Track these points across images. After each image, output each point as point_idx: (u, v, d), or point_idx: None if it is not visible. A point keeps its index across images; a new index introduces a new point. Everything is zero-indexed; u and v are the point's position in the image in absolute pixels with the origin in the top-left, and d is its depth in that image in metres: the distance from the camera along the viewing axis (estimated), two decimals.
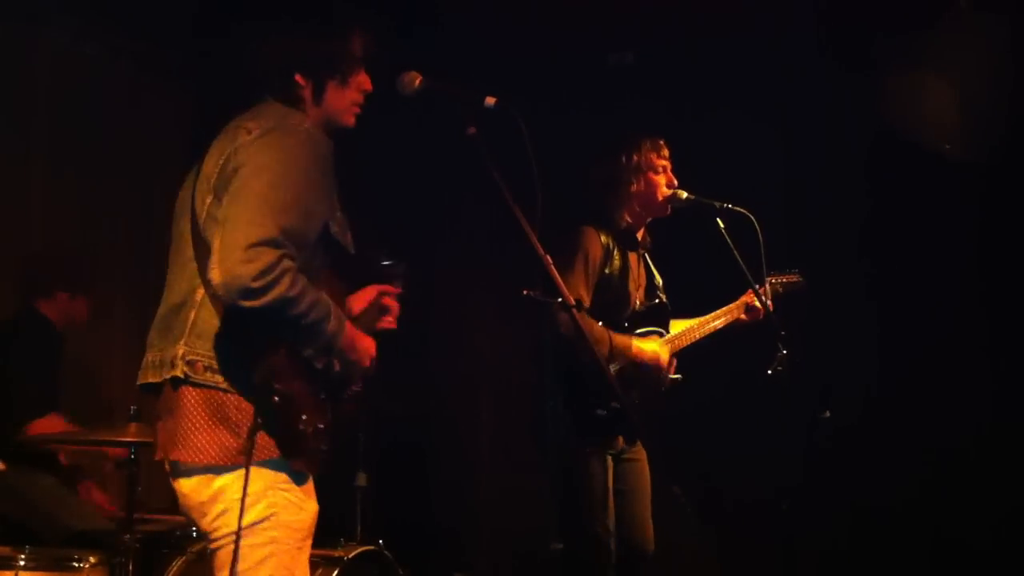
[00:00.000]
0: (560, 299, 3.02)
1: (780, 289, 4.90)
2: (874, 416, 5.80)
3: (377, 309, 3.22)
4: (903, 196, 5.91)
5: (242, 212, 2.67)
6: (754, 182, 5.40)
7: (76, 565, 4.01)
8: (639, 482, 4.59)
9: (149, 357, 2.91)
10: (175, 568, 4.16)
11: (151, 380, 2.89)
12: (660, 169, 4.62)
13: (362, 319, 3.15)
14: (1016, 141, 5.48)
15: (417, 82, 3.05)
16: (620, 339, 4.45)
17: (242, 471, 2.73)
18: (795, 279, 5.00)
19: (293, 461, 2.78)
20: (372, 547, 4.55)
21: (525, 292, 3.22)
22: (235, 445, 2.75)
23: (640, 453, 4.57)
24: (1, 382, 4.77)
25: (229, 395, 2.77)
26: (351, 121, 3.07)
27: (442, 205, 6.91)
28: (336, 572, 4.23)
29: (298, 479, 2.83)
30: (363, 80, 3.07)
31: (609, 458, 4.49)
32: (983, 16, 5.43)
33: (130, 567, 4.02)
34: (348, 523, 4.78)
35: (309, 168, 2.79)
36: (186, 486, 2.84)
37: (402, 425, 5.72)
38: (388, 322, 3.20)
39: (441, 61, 3.61)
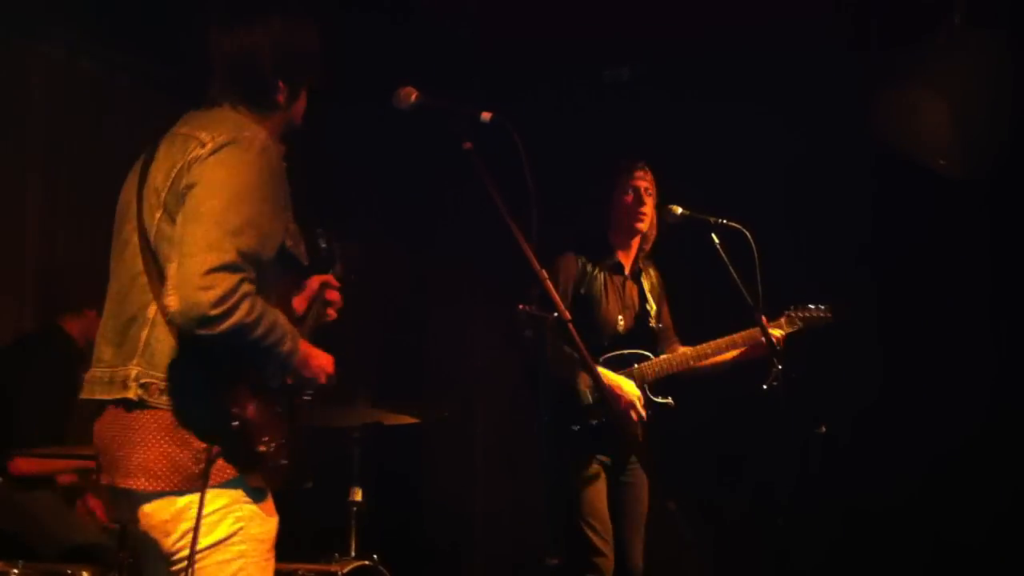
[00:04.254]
0: (556, 314, 3.01)
1: (800, 323, 4.79)
2: (873, 423, 5.84)
3: (321, 303, 3.14)
4: (907, 208, 5.95)
5: (199, 236, 2.57)
6: (755, 195, 5.44)
7: None
8: (635, 506, 4.62)
9: (97, 372, 2.80)
10: None
11: (99, 397, 2.77)
12: (629, 189, 4.70)
13: (308, 316, 3.09)
14: (1014, 157, 5.51)
15: (413, 97, 3.04)
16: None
17: (211, 489, 2.67)
18: (821, 314, 4.84)
19: (251, 478, 2.71)
20: (367, 562, 4.54)
21: (521, 307, 3.23)
22: (195, 471, 2.66)
23: (637, 476, 4.59)
24: (5, 399, 4.77)
25: (186, 419, 2.67)
26: (301, 122, 3.03)
27: (437, 218, 6.92)
28: None
29: (257, 495, 2.75)
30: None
31: (602, 471, 4.52)
32: (976, 32, 5.45)
33: None
34: (343, 538, 4.78)
35: (264, 185, 2.69)
36: (147, 507, 2.72)
37: (397, 440, 5.71)
38: (330, 315, 3.14)
39: (438, 76, 3.63)
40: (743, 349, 4.67)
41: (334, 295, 3.16)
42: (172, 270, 2.59)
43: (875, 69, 5.73)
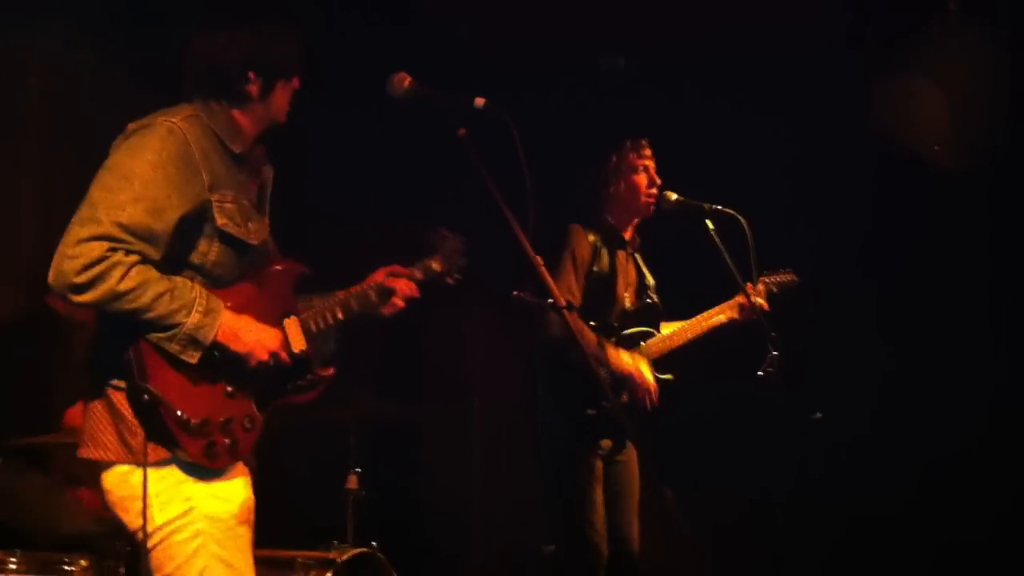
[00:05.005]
0: (551, 300, 3.00)
1: (775, 289, 4.91)
2: (873, 423, 5.83)
3: (377, 292, 3.18)
4: (909, 202, 5.95)
5: (81, 212, 2.66)
6: (757, 186, 5.45)
7: (66, 568, 3.99)
8: (627, 485, 4.60)
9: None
10: None
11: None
12: (641, 169, 4.69)
13: (352, 303, 3.12)
14: (1013, 148, 5.51)
15: (406, 83, 3.06)
16: (607, 348, 4.46)
17: (155, 467, 2.72)
18: (788, 278, 4.99)
19: (180, 453, 2.72)
20: (366, 549, 4.53)
21: (515, 293, 3.22)
22: (133, 443, 2.73)
23: (629, 455, 4.59)
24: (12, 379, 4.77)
25: (117, 393, 2.76)
26: (284, 118, 3.06)
27: (434, 206, 6.91)
28: (329, 574, 4.23)
29: (200, 472, 2.77)
30: (296, 79, 3.06)
31: (599, 461, 4.49)
32: (973, 21, 5.45)
33: (120, 570, 4.01)
34: (340, 526, 4.77)
35: (165, 163, 2.74)
36: (108, 481, 2.81)
37: (395, 428, 5.70)
38: (392, 305, 3.22)
39: (432, 65, 3.63)
40: (734, 313, 4.72)
41: (400, 284, 3.22)
42: None
43: (872, 60, 5.74)
